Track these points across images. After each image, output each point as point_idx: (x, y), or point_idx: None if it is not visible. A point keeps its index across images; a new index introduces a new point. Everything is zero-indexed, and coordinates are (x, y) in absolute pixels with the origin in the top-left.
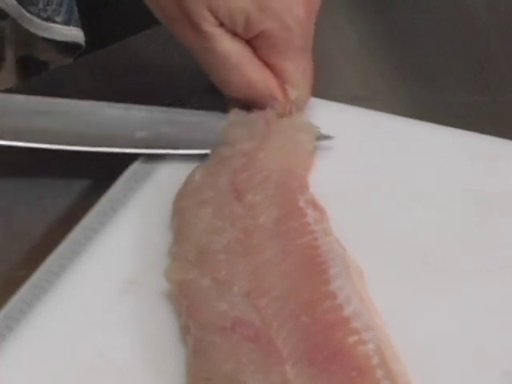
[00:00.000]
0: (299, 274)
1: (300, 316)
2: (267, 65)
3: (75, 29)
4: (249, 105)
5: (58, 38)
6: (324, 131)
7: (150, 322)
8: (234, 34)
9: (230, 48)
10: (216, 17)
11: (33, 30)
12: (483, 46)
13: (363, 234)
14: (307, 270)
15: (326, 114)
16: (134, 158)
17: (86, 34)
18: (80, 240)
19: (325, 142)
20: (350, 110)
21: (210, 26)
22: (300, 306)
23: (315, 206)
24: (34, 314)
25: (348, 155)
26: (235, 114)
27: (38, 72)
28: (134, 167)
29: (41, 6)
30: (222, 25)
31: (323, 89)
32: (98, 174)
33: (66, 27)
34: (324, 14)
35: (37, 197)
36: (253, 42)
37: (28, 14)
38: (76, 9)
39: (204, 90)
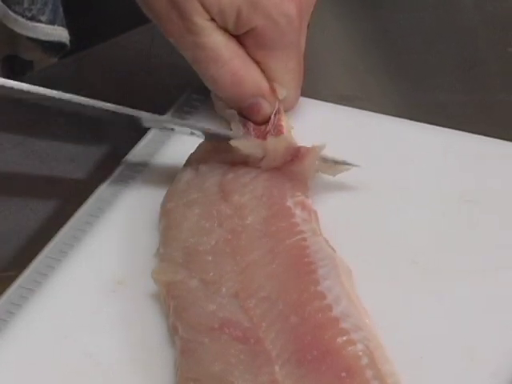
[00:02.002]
0: (288, 275)
1: (289, 316)
2: (256, 63)
3: (60, 28)
4: (235, 104)
5: (42, 37)
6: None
7: (137, 323)
8: (225, 29)
9: (221, 43)
10: (207, 11)
11: (17, 29)
12: (472, 45)
13: (353, 234)
14: (296, 271)
15: (315, 114)
16: (122, 157)
17: (71, 34)
18: (68, 241)
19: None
20: (339, 109)
21: (201, 19)
22: (289, 307)
23: (304, 206)
24: (22, 315)
25: (337, 155)
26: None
27: (23, 72)
28: (122, 167)
29: (25, 5)
30: (213, 19)
31: (311, 88)
32: (85, 174)
33: (51, 26)
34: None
35: (24, 197)
36: (243, 38)
37: (13, 14)
38: (61, 8)
39: (193, 90)
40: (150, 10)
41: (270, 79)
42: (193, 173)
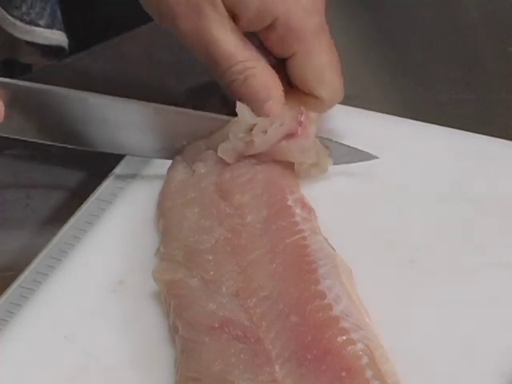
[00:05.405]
0: (288, 274)
1: (289, 316)
2: (287, 67)
3: (58, 32)
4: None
5: (41, 41)
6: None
7: (138, 322)
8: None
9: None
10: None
11: (16, 33)
12: (471, 44)
13: (352, 234)
14: (296, 270)
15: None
16: (121, 156)
17: (70, 34)
18: (68, 240)
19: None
20: (338, 107)
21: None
22: (289, 306)
23: (304, 204)
24: (22, 315)
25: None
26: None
27: (22, 75)
28: (122, 166)
29: (24, 9)
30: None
31: None
32: (85, 173)
33: (49, 30)
34: None
35: (24, 196)
36: (264, 33)
37: (11, 18)
38: (59, 12)
39: (193, 90)
40: (159, 8)
41: (307, 83)
42: (186, 172)
